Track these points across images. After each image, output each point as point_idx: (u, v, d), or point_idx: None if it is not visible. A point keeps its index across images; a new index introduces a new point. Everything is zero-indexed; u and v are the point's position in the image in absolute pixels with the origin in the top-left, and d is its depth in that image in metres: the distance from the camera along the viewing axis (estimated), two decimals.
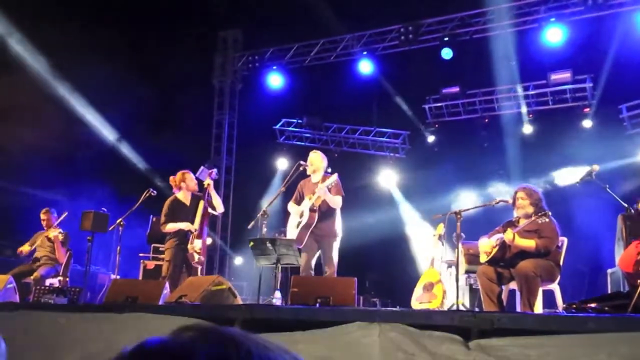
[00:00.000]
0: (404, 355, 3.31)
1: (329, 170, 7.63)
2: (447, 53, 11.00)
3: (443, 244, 7.31)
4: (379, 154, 13.13)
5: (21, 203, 10.65)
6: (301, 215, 6.87)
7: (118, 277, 7.70)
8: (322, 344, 3.59)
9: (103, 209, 8.69)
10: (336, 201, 6.92)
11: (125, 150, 11.92)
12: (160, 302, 5.33)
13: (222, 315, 4.13)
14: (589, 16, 10.01)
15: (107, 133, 11.72)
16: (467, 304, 7.02)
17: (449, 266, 7.38)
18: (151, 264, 8.91)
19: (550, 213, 5.74)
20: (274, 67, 12.78)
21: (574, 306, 4.41)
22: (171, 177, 7.67)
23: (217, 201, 7.67)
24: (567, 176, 10.31)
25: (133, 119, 11.29)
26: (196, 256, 7.21)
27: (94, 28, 10.74)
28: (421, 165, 12.27)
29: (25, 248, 8.44)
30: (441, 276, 6.85)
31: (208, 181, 7.62)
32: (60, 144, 10.89)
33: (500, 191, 10.39)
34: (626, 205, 5.91)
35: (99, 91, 10.87)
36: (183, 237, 7.32)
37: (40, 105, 10.38)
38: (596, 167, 5.62)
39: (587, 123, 10.94)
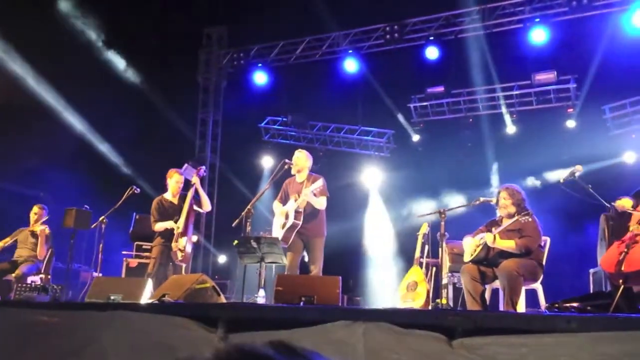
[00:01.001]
0: (388, 354, 3.31)
1: (314, 166, 7.61)
2: (432, 52, 11.03)
3: (427, 243, 7.32)
4: (364, 153, 13.14)
5: (1, 200, 10.52)
6: (286, 217, 6.87)
7: (100, 275, 7.64)
8: (306, 343, 3.57)
9: (85, 206, 8.63)
10: (321, 202, 6.95)
11: (108, 147, 11.80)
12: (143, 301, 5.30)
13: (206, 314, 4.11)
14: (573, 17, 10.09)
15: (89, 129, 11.59)
16: (451, 303, 7.05)
17: (433, 265, 7.40)
18: (134, 262, 8.85)
19: (532, 212, 5.79)
20: (259, 65, 12.74)
21: (557, 305, 4.44)
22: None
23: (204, 199, 7.68)
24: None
25: (115, 116, 11.19)
26: (179, 254, 7.19)
27: (74, 24, 10.65)
28: (406, 164, 12.29)
29: (3, 241, 8.32)
30: (425, 275, 6.86)
31: (195, 179, 7.59)
32: (39, 140, 10.79)
33: (484, 191, 10.44)
34: (609, 205, 5.96)
35: (79, 87, 10.74)
36: (169, 236, 7.33)
37: (19, 101, 10.25)
38: (579, 168, 5.66)
39: (570, 123, 11.03)
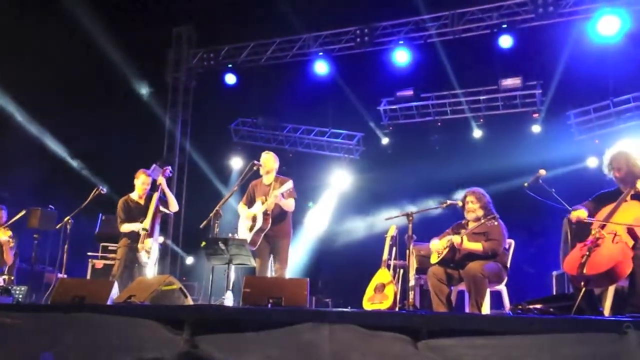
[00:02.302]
0: (354, 355, 3.33)
1: (283, 168, 7.61)
2: (401, 56, 11.10)
3: (395, 245, 7.36)
4: (334, 155, 13.19)
5: None
6: (254, 220, 6.85)
7: (65, 276, 7.53)
8: (273, 345, 3.59)
9: (50, 206, 8.50)
10: (289, 204, 6.96)
11: (74, 147, 11.61)
12: (109, 302, 5.24)
13: (173, 316, 4.08)
14: (539, 24, 10.25)
15: (51, 129, 11.38)
16: (418, 305, 7.09)
17: (401, 267, 7.45)
18: (100, 263, 8.75)
19: (498, 216, 5.89)
20: (229, 66, 12.67)
21: (520, 307, 4.51)
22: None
23: (171, 200, 7.61)
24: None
25: (82, 115, 11.02)
26: (144, 255, 7.12)
27: (39, 20, 10.46)
28: (375, 167, 12.36)
29: None
30: (393, 277, 6.90)
31: (161, 179, 7.53)
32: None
33: (451, 194, 10.53)
34: (571, 209, 6.06)
35: (45, 86, 10.56)
36: (135, 237, 7.25)
37: None
38: (543, 172, 5.75)
39: (536, 128, 11.22)
